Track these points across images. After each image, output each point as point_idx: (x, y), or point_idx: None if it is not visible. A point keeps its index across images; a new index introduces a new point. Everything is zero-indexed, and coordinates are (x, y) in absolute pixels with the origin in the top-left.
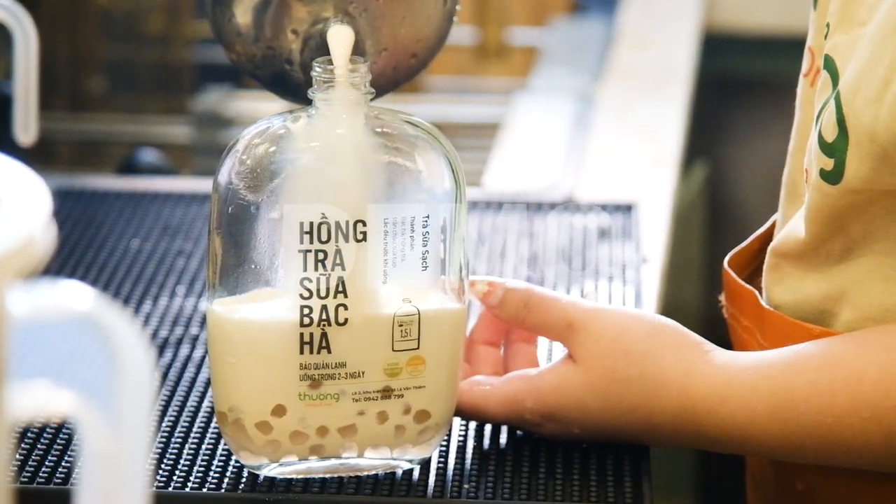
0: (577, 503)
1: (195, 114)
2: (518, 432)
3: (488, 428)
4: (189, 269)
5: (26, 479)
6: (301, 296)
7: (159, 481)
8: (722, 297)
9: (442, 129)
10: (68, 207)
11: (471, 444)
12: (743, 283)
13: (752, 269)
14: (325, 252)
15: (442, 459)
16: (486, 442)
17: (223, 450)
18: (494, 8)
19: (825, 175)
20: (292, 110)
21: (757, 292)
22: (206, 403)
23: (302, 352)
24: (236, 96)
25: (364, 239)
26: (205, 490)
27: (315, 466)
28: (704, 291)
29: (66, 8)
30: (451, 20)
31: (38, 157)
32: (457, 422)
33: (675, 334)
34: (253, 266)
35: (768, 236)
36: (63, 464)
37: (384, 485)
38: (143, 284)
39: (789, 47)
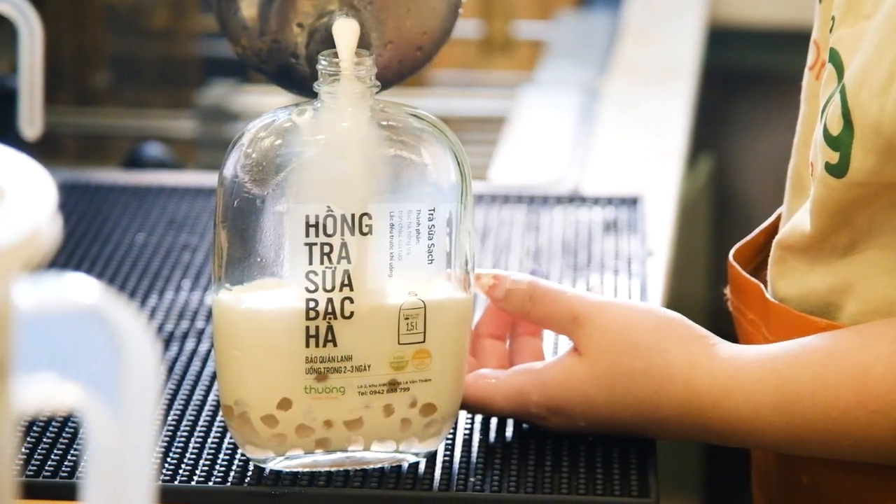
0: (583, 496)
1: (200, 108)
2: (524, 426)
3: (494, 421)
4: (194, 263)
5: (32, 473)
6: (307, 289)
7: (165, 474)
8: (727, 291)
9: (447, 122)
10: (74, 201)
11: (476, 437)
12: (748, 276)
13: (757, 263)
14: (330, 245)
15: (448, 453)
16: (492, 435)
17: (229, 443)
18: (500, 2)
19: (830, 168)
20: (298, 104)
21: (762, 285)
22: (211, 397)
23: (308, 345)
24: (242, 90)
25: (370, 232)
26: (210, 483)
27: (321, 460)
28: (710, 285)
29: (71, 2)
30: (457, 12)
31: (44, 151)
32: (463, 415)
33: (681, 328)
34: (258, 259)
35: (773, 229)
36: (69, 457)
37: (390, 478)
38: (149, 278)
39: (794, 41)
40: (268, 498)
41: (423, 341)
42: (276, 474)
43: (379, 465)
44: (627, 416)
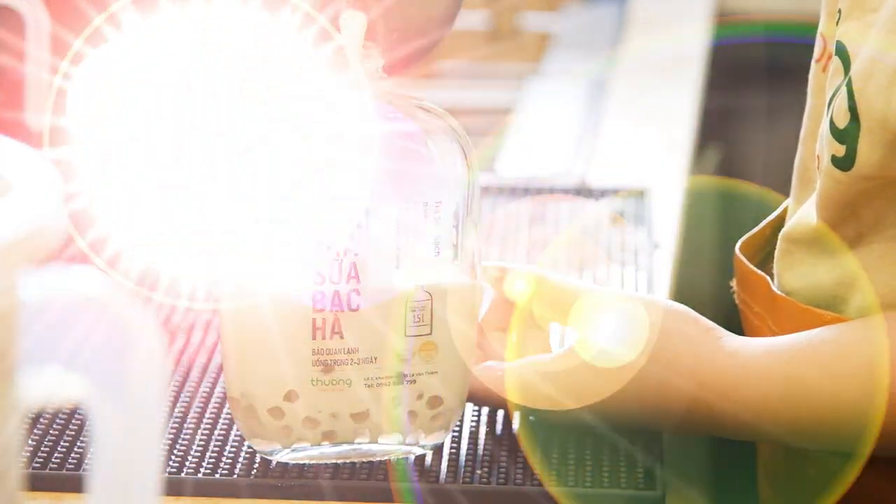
0: (590, 489)
1: None
2: (530, 418)
3: (501, 413)
4: None
5: (39, 465)
6: (313, 281)
7: (171, 466)
8: (733, 283)
9: (454, 114)
10: None
11: (483, 429)
12: (754, 269)
13: (763, 255)
14: None
15: (454, 445)
16: (499, 428)
17: (236, 435)
18: None
19: (837, 161)
20: None
21: (768, 278)
22: (218, 389)
23: (314, 337)
24: None
25: (376, 224)
26: (217, 475)
27: (327, 452)
28: (716, 277)
29: None
30: None
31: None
32: (469, 407)
33: (688, 320)
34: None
35: (780, 222)
36: (75, 449)
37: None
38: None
39: (802, 32)
40: (274, 490)
41: (430, 333)
42: (283, 466)
43: (386, 458)
44: (634, 409)
